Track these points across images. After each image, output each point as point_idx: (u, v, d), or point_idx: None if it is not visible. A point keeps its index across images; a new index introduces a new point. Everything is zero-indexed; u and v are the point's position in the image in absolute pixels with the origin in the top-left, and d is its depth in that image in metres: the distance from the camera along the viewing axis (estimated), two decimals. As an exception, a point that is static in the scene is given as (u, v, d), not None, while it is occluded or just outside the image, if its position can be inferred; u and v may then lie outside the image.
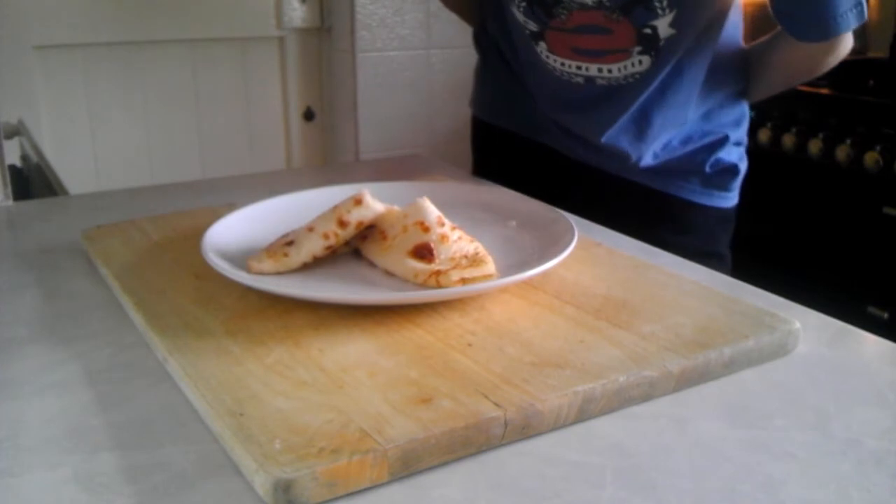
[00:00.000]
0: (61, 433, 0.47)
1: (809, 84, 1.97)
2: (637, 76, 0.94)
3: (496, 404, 0.46)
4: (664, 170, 1.01)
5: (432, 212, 0.64)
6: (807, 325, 0.58)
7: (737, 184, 1.05)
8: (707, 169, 1.01)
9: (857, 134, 1.77)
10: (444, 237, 0.63)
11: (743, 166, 1.05)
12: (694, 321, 0.57)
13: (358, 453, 0.42)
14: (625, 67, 0.93)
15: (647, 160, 0.99)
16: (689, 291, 0.63)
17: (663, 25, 0.89)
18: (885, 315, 1.73)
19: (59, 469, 0.44)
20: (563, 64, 0.96)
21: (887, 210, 1.71)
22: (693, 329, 0.56)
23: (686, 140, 1.00)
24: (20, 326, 0.61)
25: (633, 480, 0.43)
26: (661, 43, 0.91)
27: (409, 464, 0.43)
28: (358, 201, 0.65)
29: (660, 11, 0.89)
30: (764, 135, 1.93)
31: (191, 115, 2.29)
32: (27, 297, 0.67)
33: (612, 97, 0.96)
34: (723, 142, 1.02)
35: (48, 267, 0.73)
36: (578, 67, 0.95)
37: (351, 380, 0.49)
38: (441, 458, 0.44)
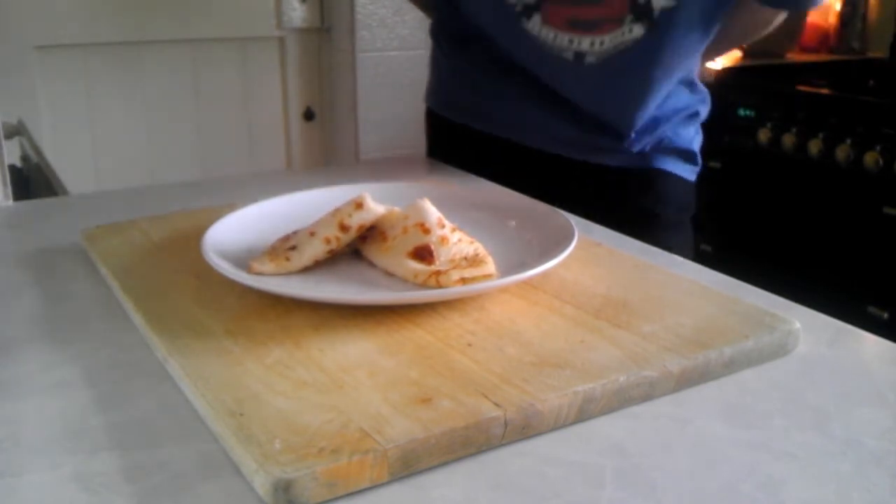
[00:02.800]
0: (61, 433, 0.47)
1: (809, 84, 1.97)
2: (628, 44, 0.94)
3: (496, 404, 0.46)
4: (654, 149, 1.05)
5: (433, 213, 0.64)
6: (807, 325, 0.58)
7: (700, 159, 1.12)
8: (681, 144, 1.07)
9: (857, 134, 1.77)
10: (444, 239, 0.63)
11: (700, 138, 1.12)
12: (694, 321, 0.57)
13: (358, 453, 0.42)
14: (615, 38, 0.94)
15: (631, 133, 1.02)
16: (689, 291, 0.63)
17: None
18: (885, 315, 1.73)
19: (59, 469, 0.44)
20: (555, 37, 0.96)
21: (887, 210, 1.71)
22: (693, 329, 0.56)
23: (666, 113, 1.04)
24: (20, 326, 0.61)
25: (633, 480, 0.43)
26: (656, 14, 0.92)
27: (409, 464, 0.43)
28: (359, 205, 0.65)
29: None
30: (764, 135, 1.93)
31: (191, 115, 2.29)
32: (27, 297, 0.67)
33: (603, 68, 0.97)
34: (695, 116, 1.08)
35: (48, 267, 0.73)
36: (570, 42, 0.95)
37: (351, 380, 0.49)
38: (441, 458, 0.44)
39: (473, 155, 1.08)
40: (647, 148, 1.05)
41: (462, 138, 1.10)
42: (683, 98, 1.06)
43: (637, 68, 0.97)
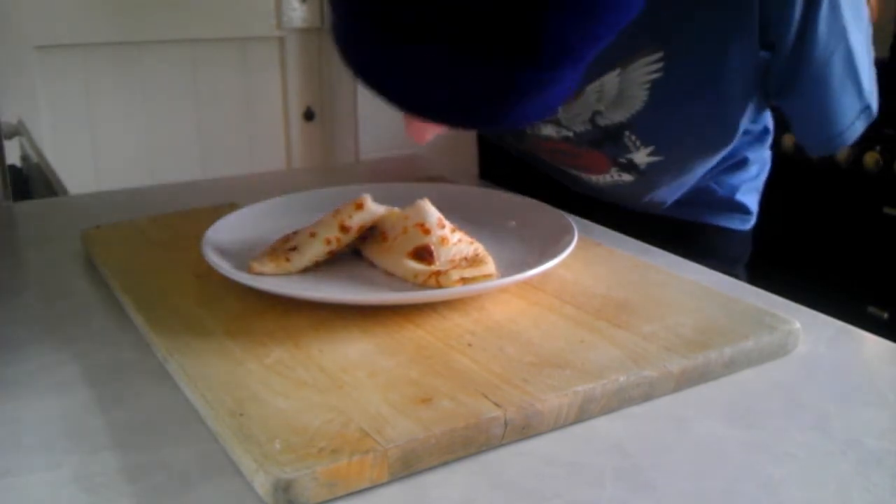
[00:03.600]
0: (61, 433, 0.47)
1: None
2: (625, 183, 0.88)
3: (496, 404, 0.46)
4: (685, 201, 0.95)
5: (433, 213, 0.64)
6: (807, 325, 0.58)
7: (755, 205, 0.99)
8: (724, 194, 0.95)
9: (856, 134, 1.77)
10: (444, 239, 0.63)
11: (761, 182, 0.99)
12: (694, 321, 0.57)
13: (358, 453, 0.42)
14: (603, 179, 0.89)
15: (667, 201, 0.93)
16: (689, 291, 0.63)
17: (640, 156, 0.84)
18: (885, 315, 1.73)
19: (59, 469, 0.44)
20: (544, 156, 0.93)
21: (887, 210, 1.71)
22: (693, 329, 0.56)
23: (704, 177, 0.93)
24: (20, 326, 0.61)
25: (633, 480, 0.43)
26: (643, 167, 0.85)
27: (409, 464, 0.43)
28: (359, 205, 0.65)
29: (633, 148, 0.84)
30: (764, 135, 1.93)
31: (191, 115, 2.29)
32: (27, 297, 0.67)
33: (613, 187, 0.90)
34: (743, 163, 0.95)
35: (48, 267, 0.73)
36: (559, 167, 0.92)
37: (351, 380, 0.49)
38: (441, 458, 0.44)
39: (526, 183, 1.00)
40: (679, 199, 0.93)
41: (514, 165, 1.05)
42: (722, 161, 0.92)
43: (642, 191, 0.89)
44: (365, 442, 0.42)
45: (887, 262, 1.73)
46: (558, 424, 0.47)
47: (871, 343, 0.59)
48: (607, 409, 0.49)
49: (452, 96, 0.50)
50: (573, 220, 0.70)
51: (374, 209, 0.66)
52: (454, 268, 0.61)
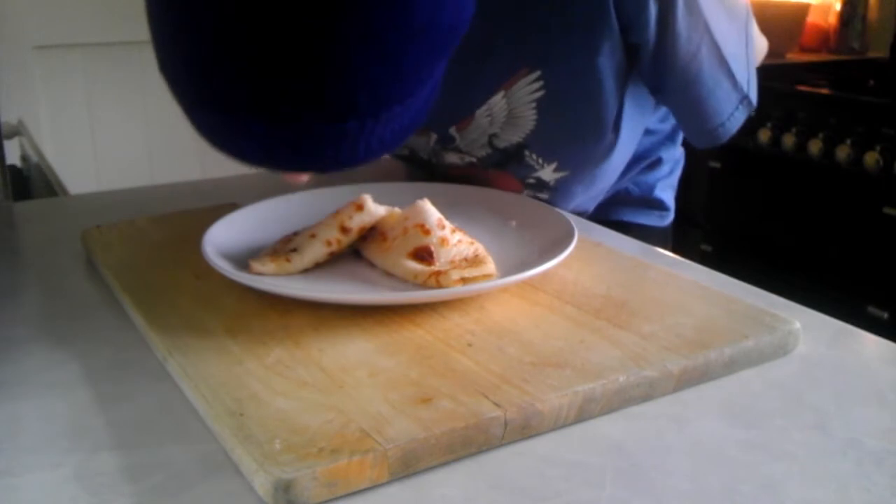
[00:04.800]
0: (61, 433, 0.47)
1: (809, 84, 1.97)
2: (541, 198, 0.89)
3: (496, 404, 0.46)
4: (605, 202, 0.98)
5: (433, 214, 0.64)
6: (807, 325, 0.58)
7: (671, 201, 1.02)
8: (641, 193, 0.99)
9: (857, 134, 1.77)
10: (444, 240, 0.63)
11: (675, 179, 1.02)
12: (694, 321, 0.57)
13: (358, 453, 0.42)
14: (525, 194, 0.90)
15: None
16: (689, 291, 0.63)
17: (547, 174, 0.86)
18: (885, 315, 1.73)
19: (59, 469, 0.44)
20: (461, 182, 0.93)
21: (887, 210, 1.71)
22: (693, 329, 0.56)
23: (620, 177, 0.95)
24: (20, 326, 0.61)
25: (633, 480, 0.43)
26: (553, 184, 0.87)
27: (410, 464, 0.43)
28: (359, 206, 0.65)
29: (537, 166, 0.85)
30: (764, 135, 1.93)
31: (191, 115, 2.28)
32: (27, 297, 0.67)
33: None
34: (656, 164, 0.99)
35: (48, 267, 0.73)
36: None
37: (351, 380, 0.49)
38: (441, 458, 0.44)
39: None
40: (600, 202, 0.97)
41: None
42: (642, 145, 0.95)
43: (562, 204, 0.90)
44: (365, 442, 0.42)
45: (887, 262, 1.73)
46: (558, 424, 0.47)
47: (871, 343, 0.59)
48: (607, 409, 0.49)
49: (293, 151, 0.48)
50: (573, 221, 0.70)
51: (374, 210, 0.66)
52: (454, 268, 0.61)
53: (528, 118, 0.81)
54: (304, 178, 0.63)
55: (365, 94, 0.45)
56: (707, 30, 0.76)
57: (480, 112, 0.82)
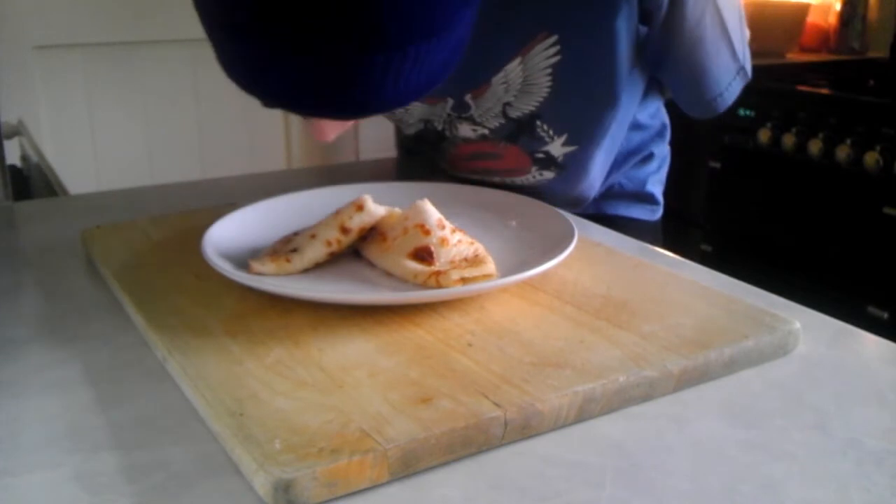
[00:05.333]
0: (61, 433, 0.47)
1: (809, 84, 1.97)
2: (543, 182, 0.91)
3: (496, 404, 0.46)
4: (601, 197, 0.99)
5: (433, 214, 0.64)
6: (807, 325, 0.58)
7: (661, 196, 1.04)
8: (633, 187, 1.01)
9: (857, 134, 1.77)
10: (444, 240, 0.63)
11: (664, 175, 1.04)
12: (694, 321, 0.57)
13: (358, 453, 0.42)
14: (527, 180, 0.91)
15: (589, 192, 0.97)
16: (689, 291, 0.63)
17: (556, 147, 0.87)
18: (885, 315, 1.73)
19: (59, 469, 0.44)
20: (465, 173, 0.95)
21: (887, 210, 1.71)
22: (693, 329, 0.56)
23: (616, 160, 0.97)
24: (20, 326, 0.61)
25: (633, 480, 0.43)
26: (560, 159, 0.88)
27: (409, 464, 0.43)
28: (359, 207, 0.65)
29: (547, 139, 0.86)
30: (764, 135, 1.93)
31: (191, 115, 2.29)
32: (27, 297, 0.67)
33: (530, 190, 0.92)
34: (648, 158, 1.01)
35: (48, 267, 0.73)
36: (482, 178, 0.94)
37: (351, 380, 0.49)
38: (441, 458, 0.44)
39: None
40: (595, 195, 0.98)
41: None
42: (634, 140, 0.98)
43: (565, 187, 0.92)
44: (365, 442, 0.42)
45: (887, 262, 1.73)
46: (558, 424, 0.47)
47: (871, 343, 0.59)
48: (607, 409, 0.49)
49: (319, 86, 0.49)
50: (573, 220, 0.70)
51: (374, 210, 0.66)
52: (454, 268, 0.61)
53: (543, 85, 0.82)
54: (331, 136, 0.62)
55: (393, 24, 0.45)
56: None
57: (497, 79, 0.83)
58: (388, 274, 0.64)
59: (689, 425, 0.48)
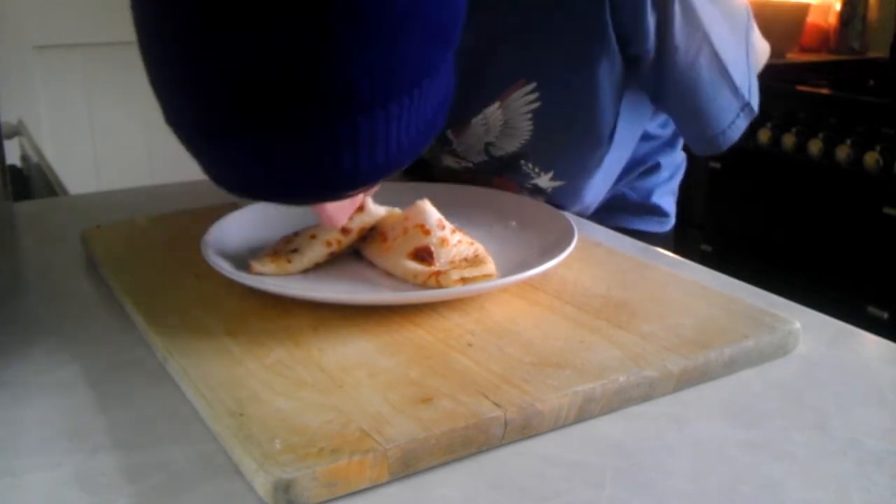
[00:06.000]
0: (61, 433, 0.47)
1: (809, 84, 1.97)
2: (540, 197, 0.88)
3: (496, 404, 0.46)
4: (602, 208, 0.96)
5: (433, 214, 0.64)
6: (807, 325, 0.58)
7: (672, 207, 1.00)
8: (638, 198, 0.97)
9: (857, 134, 1.77)
10: (444, 240, 0.62)
11: (675, 185, 1.00)
12: (694, 321, 0.57)
13: (358, 453, 0.42)
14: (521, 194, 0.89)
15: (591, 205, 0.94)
16: (689, 291, 0.63)
17: (544, 182, 0.85)
18: (885, 315, 1.73)
19: (59, 469, 0.44)
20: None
21: (887, 210, 1.71)
22: (693, 329, 0.56)
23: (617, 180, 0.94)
24: (20, 326, 0.61)
25: (633, 480, 0.43)
26: (549, 191, 0.86)
27: (409, 464, 0.43)
28: (360, 207, 0.65)
29: (533, 175, 0.85)
30: (764, 135, 1.93)
31: (191, 115, 2.28)
32: (27, 297, 0.67)
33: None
34: (655, 169, 0.97)
35: (48, 267, 0.73)
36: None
37: (351, 380, 0.49)
38: (441, 458, 0.44)
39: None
40: (595, 207, 0.94)
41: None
42: (640, 150, 0.93)
43: (562, 205, 0.88)
44: (365, 442, 0.42)
45: (887, 262, 1.73)
46: (558, 424, 0.47)
47: (871, 343, 0.59)
48: (607, 409, 0.49)
49: (280, 168, 0.47)
50: (573, 221, 0.70)
51: (374, 210, 0.66)
52: (454, 268, 0.61)
53: (524, 129, 0.81)
54: (344, 219, 0.60)
55: (365, 81, 0.43)
56: (706, 38, 0.75)
57: (476, 121, 0.82)
58: (389, 274, 0.64)
59: (689, 425, 0.48)
